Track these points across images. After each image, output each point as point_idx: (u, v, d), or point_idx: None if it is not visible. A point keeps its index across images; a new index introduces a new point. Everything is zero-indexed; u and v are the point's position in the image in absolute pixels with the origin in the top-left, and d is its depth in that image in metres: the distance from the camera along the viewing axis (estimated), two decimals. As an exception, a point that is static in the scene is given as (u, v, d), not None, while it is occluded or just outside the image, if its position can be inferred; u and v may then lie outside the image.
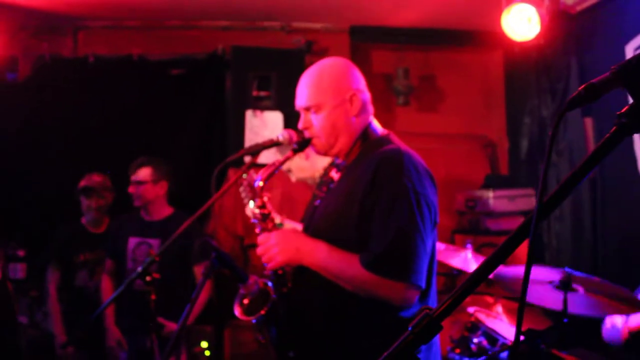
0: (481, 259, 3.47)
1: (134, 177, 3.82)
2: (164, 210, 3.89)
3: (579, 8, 4.61)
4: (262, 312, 2.07)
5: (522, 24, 4.36)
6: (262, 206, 2.16)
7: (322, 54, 5.28)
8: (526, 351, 2.51)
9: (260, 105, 4.79)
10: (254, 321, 2.11)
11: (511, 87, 5.33)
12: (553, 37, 4.66)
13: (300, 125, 2.16)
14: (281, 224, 2.25)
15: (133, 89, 4.91)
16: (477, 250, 4.67)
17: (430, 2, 4.68)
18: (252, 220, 2.20)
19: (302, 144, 2.16)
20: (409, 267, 1.85)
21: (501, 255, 0.97)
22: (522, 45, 4.82)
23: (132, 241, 3.81)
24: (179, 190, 4.06)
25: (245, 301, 2.18)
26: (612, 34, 4.19)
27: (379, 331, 1.91)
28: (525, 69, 5.03)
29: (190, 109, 5.01)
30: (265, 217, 2.14)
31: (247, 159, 2.65)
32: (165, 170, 3.89)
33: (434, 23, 5.16)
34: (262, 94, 4.79)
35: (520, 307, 0.97)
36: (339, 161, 2.18)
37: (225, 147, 4.76)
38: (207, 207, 2.47)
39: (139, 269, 2.36)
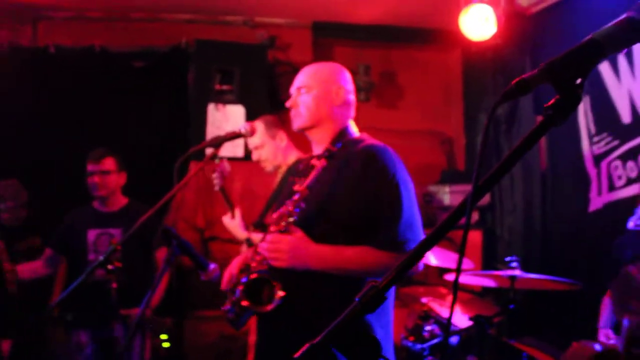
0: (434, 249, 3.59)
1: (98, 167, 3.82)
2: (121, 201, 3.93)
3: (534, 9, 4.78)
4: (280, 294, 2.08)
5: (479, 24, 4.50)
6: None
7: (285, 49, 5.35)
8: (475, 336, 2.63)
9: (222, 99, 4.83)
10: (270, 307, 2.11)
11: (469, 85, 5.48)
12: (509, 38, 4.81)
13: (287, 104, 2.39)
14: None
15: (94, 81, 4.89)
16: (434, 243, 4.82)
17: (390, 0, 4.79)
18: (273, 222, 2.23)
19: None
20: (409, 240, 2.12)
21: (438, 234, 1.05)
22: (480, 44, 4.97)
23: (92, 233, 3.81)
24: (140, 182, 4.08)
25: (243, 294, 2.15)
26: (566, 35, 4.36)
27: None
28: (483, 67, 5.18)
29: (152, 102, 5.02)
30: (281, 217, 2.19)
31: (209, 151, 2.71)
32: (122, 161, 3.92)
33: (395, 20, 5.27)
34: (225, 87, 4.82)
35: (455, 288, 1.06)
36: (318, 152, 2.33)
37: (187, 140, 4.78)
38: (169, 197, 2.52)
39: (101, 258, 2.39)
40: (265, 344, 2.24)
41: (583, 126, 4.25)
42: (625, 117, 3.91)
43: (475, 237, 4.89)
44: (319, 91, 2.32)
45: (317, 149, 2.36)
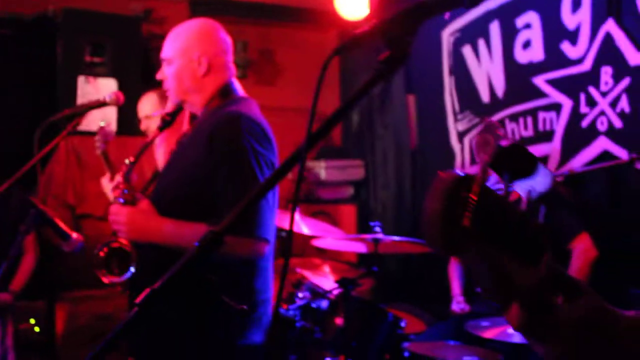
0: (308, 220, 3.69)
1: None
2: None
3: (404, -7, 4.98)
4: (131, 268, 2.05)
5: (353, 5, 4.65)
6: (126, 179, 2.19)
7: (160, 23, 5.23)
8: (340, 298, 2.74)
9: (93, 72, 4.65)
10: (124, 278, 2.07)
11: (345, 65, 5.63)
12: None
13: (157, 76, 2.25)
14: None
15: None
16: (312, 217, 4.93)
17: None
18: (112, 190, 2.20)
19: (173, 115, 2.25)
20: (256, 223, 1.96)
21: (273, 180, 1.10)
22: (356, 24, 5.10)
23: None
24: (4, 158, 3.86)
25: (102, 266, 2.12)
26: (430, 21, 4.54)
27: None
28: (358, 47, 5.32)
29: (17, 72, 4.74)
30: (126, 190, 2.15)
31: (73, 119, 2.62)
32: None
33: (274, -1, 5.31)
34: (96, 60, 4.65)
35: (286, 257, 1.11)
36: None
37: (56, 113, 4.56)
38: (29, 167, 2.42)
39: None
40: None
41: (449, 105, 4.50)
42: (485, 96, 4.19)
43: (350, 211, 5.06)
44: (180, 64, 2.16)
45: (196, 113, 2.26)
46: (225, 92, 2.18)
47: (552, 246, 2.99)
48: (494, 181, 2.95)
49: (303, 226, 3.52)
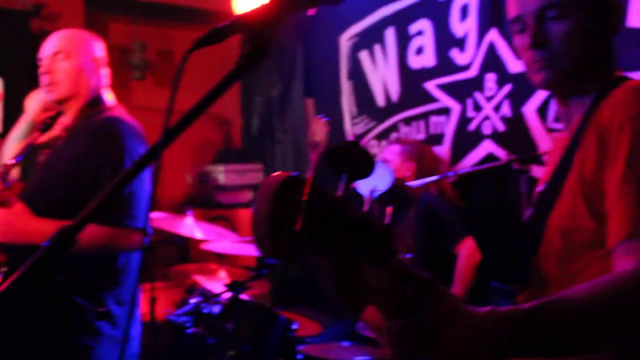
0: (203, 225, 3.62)
1: None
2: None
3: (304, -3, 5.00)
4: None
5: (252, 7, 4.60)
6: (4, 179, 2.21)
7: (53, 19, 5.01)
8: (230, 302, 2.71)
9: (-24, 69, 4.39)
10: None
11: (246, 68, 5.59)
12: (283, 23, 4.98)
13: (42, 69, 2.25)
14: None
15: None
16: (210, 222, 4.85)
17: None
18: None
19: (53, 119, 2.28)
20: (125, 213, 2.04)
21: (131, 174, 1.06)
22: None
23: None
24: None
25: None
26: (329, 26, 4.65)
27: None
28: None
29: None
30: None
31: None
32: None
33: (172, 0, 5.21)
34: (-21, 56, 4.39)
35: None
36: (68, 123, 2.26)
37: None
38: None
39: None
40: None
41: (346, 109, 4.57)
42: (380, 100, 4.27)
43: (249, 215, 5.01)
44: (79, 59, 2.24)
45: (68, 119, 2.28)
46: (97, 101, 2.28)
47: (438, 249, 3.08)
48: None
49: (197, 231, 3.45)
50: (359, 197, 0.87)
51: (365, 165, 0.85)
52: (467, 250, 3.13)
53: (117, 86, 2.65)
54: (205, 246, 3.38)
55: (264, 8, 1.09)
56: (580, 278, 1.16)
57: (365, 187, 0.86)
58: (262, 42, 1.09)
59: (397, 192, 0.93)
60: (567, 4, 1.25)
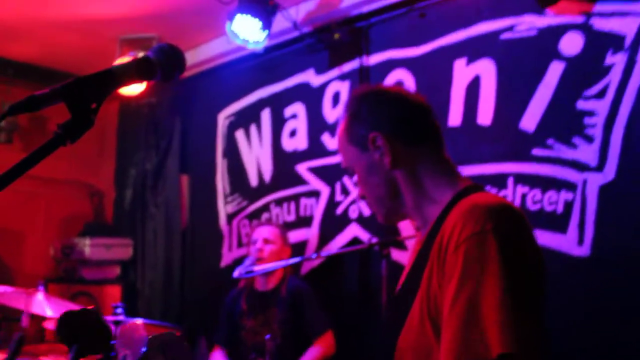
0: (54, 300, 3.39)
1: None
2: None
3: (185, 75, 5.03)
4: None
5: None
6: None
7: None
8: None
9: None
10: None
11: (123, 139, 5.48)
12: (163, 98, 4.98)
13: None
14: None
15: None
16: (72, 298, 4.55)
17: (46, 41, 4.60)
18: None
19: None
20: None
21: None
22: (137, 101, 5.04)
23: None
24: None
25: None
26: (208, 102, 4.69)
27: None
28: (138, 123, 5.24)
29: None
30: None
31: None
32: None
33: (48, 62, 5.05)
34: None
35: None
36: None
37: None
38: None
39: None
40: None
41: (220, 187, 4.54)
42: (253, 180, 4.30)
43: (115, 292, 4.77)
44: None
45: None
46: None
47: (302, 340, 3.04)
48: (248, 263, 2.91)
49: (47, 308, 3.22)
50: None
51: (102, 337, 0.77)
52: (325, 344, 3.31)
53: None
54: (50, 325, 3.15)
55: (82, 79, 1.08)
56: None
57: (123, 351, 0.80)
58: (81, 113, 1.06)
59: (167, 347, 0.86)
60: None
